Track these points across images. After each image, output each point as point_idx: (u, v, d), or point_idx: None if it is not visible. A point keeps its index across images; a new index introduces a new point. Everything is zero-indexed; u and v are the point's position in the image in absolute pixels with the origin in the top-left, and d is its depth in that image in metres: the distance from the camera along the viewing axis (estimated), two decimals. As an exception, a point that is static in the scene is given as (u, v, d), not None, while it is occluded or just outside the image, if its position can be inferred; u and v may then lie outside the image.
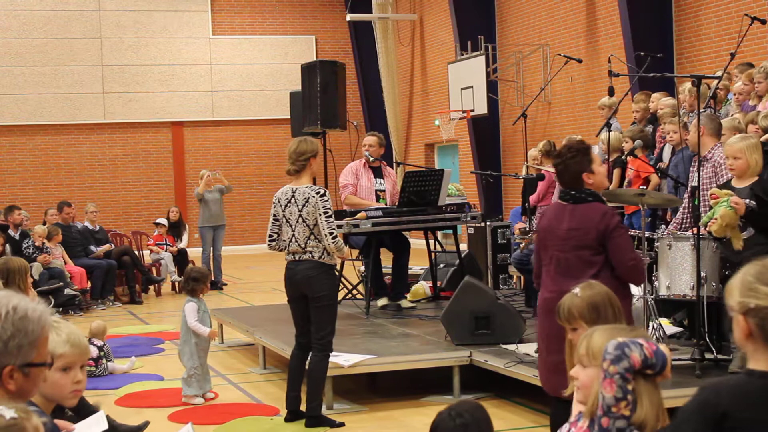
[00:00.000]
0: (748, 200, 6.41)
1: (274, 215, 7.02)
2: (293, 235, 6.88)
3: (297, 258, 6.92)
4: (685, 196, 7.57)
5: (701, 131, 7.17)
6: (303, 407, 7.12)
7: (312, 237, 6.84)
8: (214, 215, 16.01)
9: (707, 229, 6.51)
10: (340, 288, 10.36)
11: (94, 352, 9.03)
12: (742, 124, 7.75)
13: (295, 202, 6.88)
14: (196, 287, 7.97)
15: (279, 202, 6.98)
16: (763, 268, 2.60)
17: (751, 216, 6.39)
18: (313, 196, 6.82)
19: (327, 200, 6.84)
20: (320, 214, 6.79)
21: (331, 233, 6.79)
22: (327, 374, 7.14)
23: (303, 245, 6.86)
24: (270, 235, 7.05)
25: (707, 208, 6.94)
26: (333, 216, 6.85)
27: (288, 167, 6.97)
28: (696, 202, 7.22)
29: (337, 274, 7.19)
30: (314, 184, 7.01)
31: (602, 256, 5.14)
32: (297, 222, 6.86)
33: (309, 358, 7.04)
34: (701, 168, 7.14)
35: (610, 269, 5.15)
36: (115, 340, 11.01)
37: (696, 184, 7.22)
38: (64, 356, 3.33)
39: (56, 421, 3.27)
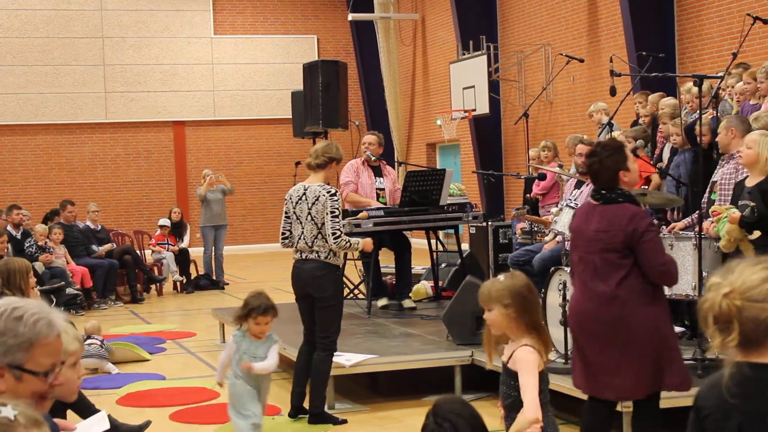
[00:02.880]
0: (744, 209, 6.36)
1: (286, 212, 7.05)
2: (302, 233, 6.91)
3: (303, 257, 6.94)
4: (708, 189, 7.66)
5: (732, 134, 7.20)
6: (306, 404, 7.15)
7: (320, 236, 6.86)
8: (216, 215, 16.02)
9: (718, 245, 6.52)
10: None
11: (97, 342, 9.27)
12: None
13: (306, 199, 6.90)
14: (240, 314, 6.08)
15: (290, 199, 7.01)
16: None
17: (745, 225, 6.34)
18: (324, 195, 6.84)
19: (337, 200, 6.84)
20: (327, 213, 6.80)
21: (333, 233, 6.78)
22: (330, 373, 7.16)
23: (310, 244, 6.88)
24: (282, 233, 7.08)
25: (722, 202, 6.97)
26: (340, 217, 6.86)
27: (309, 160, 6.98)
28: (712, 197, 7.27)
29: (341, 274, 7.19)
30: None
31: (630, 260, 4.95)
32: (306, 220, 6.88)
33: (313, 357, 7.06)
34: (716, 166, 7.19)
35: (639, 272, 4.96)
36: (117, 339, 11.01)
37: (716, 179, 7.29)
38: (75, 353, 3.34)
39: (57, 420, 3.28)
